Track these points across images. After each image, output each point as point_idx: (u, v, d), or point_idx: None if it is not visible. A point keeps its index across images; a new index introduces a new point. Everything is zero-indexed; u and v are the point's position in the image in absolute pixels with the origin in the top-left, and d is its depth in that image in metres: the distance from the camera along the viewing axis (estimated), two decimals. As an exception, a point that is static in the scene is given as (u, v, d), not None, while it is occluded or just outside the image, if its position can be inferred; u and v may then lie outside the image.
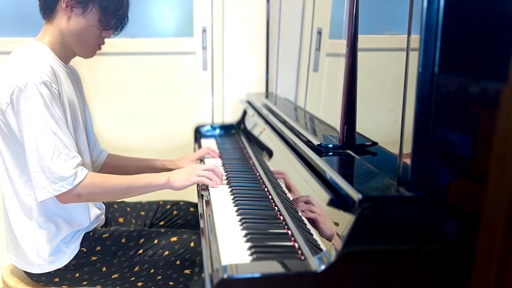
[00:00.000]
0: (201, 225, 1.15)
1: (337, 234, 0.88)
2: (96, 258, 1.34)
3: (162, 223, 1.63)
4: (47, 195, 1.19)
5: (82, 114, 1.41)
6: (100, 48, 1.39)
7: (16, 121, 1.22)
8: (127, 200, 1.64)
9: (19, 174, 1.28)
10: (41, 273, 1.32)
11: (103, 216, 1.48)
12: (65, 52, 1.35)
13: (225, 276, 0.83)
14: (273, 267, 0.87)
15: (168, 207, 1.66)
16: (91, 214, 1.38)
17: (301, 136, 1.25)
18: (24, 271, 1.36)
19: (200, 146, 1.91)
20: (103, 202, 1.52)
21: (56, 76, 1.25)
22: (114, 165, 1.61)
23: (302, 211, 1.11)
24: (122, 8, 1.34)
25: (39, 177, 1.19)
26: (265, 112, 1.69)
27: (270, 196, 1.29)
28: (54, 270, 1.32)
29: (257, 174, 1.49)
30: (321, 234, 0.99)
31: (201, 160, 1.68)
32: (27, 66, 1.21)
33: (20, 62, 1.23)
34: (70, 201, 1.23)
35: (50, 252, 1.30)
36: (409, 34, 0.84)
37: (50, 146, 1.18)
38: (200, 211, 1.24)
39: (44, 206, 1.28)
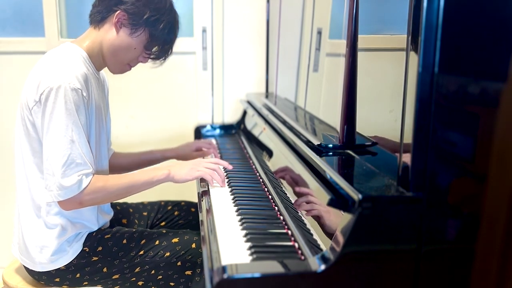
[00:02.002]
0: (201, 225, 1.15)
1: (337, 234, 0.88)
2: (97, 258, 1.34)
3: (163, 223, 1.63)
4: (53, 199, 1.20)
5: (106, 120, 1.43)
6: (129, 69, 1.40)
7: (40, 120, 1.22)
8: (129, 201, 1.64)
9: (35, 172, 1.28)
10: (42, 272, 1.32)
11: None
12: (100, 60, 1.36)
13: (225, 276, 0.83)
14: (273, 267, 0.87)
15: (169, 207, 1.66)
16: (100, 220, 1.39)
17: (301, 136, 1.25)
18: (25, 268, 1.36)
19: (200, 147, 1.91)
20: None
21: (89, 82, 1.25)
22: (116, 163, 1.62)
23: (306, 211, 1.10)
24: (170, 44, 1.36)
25: (50, 179, 1.19)
26: (265, 112, 1.69)
27: (270, 196, 1.29)
28: (55, 270, 1.32)
29: (257, 174, 1.48)
30: (327, 230, 0.98)
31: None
32: (62, 69, 1.21)
33: (56, 64, 1.23)
34: (71, 208, 1.24)
35: (53, 251, 1.30)
36: (409, 34, 0.84)
37: (65, 153, 1.18)
38: (200, 211, 1.24)
39: (54, 207, 1.28)
